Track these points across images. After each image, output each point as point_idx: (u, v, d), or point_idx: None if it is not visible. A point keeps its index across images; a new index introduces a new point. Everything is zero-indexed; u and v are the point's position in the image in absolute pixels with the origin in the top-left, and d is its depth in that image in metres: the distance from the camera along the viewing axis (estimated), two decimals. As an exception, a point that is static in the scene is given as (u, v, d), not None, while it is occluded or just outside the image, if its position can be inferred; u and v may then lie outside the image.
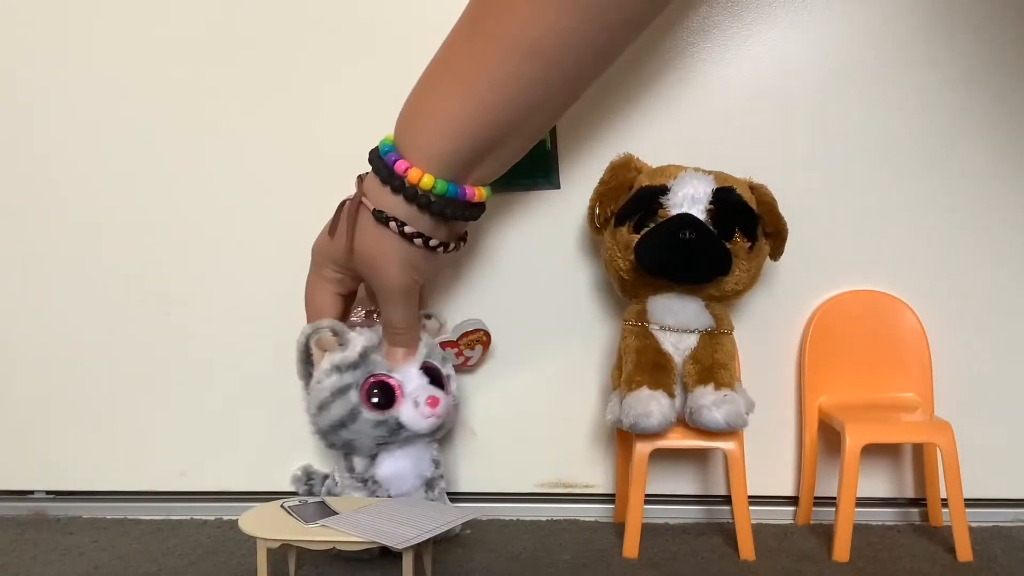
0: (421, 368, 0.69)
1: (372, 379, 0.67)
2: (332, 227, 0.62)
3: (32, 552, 0.75)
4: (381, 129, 0.61)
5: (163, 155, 0.83)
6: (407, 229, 0.55)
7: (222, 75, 0.82)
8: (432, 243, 0.57)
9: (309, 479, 0.77)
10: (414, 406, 0.67)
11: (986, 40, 0.75)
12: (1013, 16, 0.74)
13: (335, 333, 0.67)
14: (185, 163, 0.83)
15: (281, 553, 0.64)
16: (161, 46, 0.82)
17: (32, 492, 0.87)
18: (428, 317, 0.74)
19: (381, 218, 0.56)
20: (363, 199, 0.57)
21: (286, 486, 0.79)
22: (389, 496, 0.70)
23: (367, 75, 0.79)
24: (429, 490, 0.71)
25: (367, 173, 0.61)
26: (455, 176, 0.55)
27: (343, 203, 0.62)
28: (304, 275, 0.70)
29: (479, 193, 0.57)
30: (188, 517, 0.82)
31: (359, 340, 0.68)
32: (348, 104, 0.80)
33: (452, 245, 0.59)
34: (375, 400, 0.67)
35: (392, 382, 0.68)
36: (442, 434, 0.73)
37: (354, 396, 0.67)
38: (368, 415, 0.67)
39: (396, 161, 0.55)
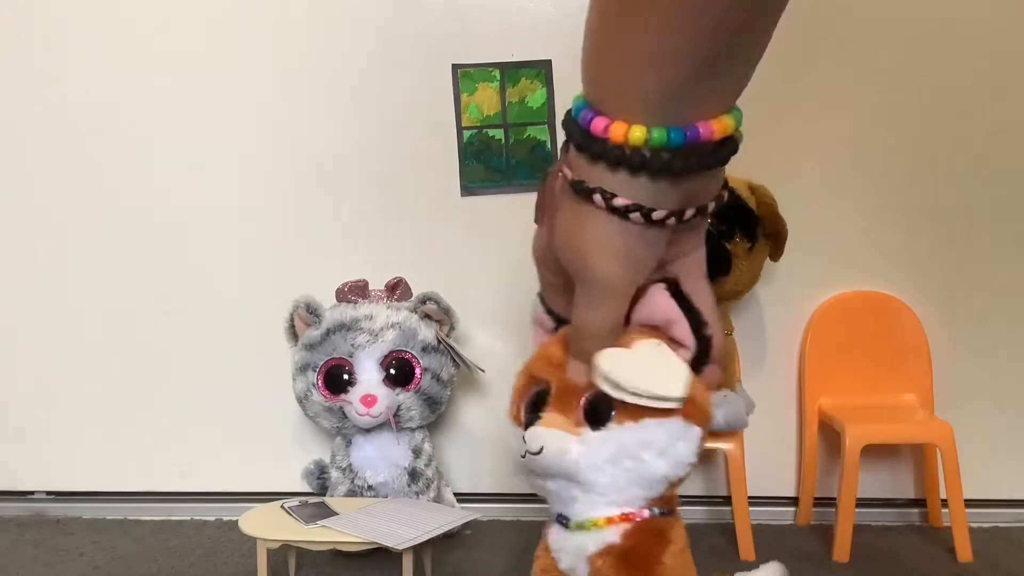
0: (386, 358, 0.68)
1: (330, 362, 0.67)
2: (537, 213, 0.48)
3: (32, 552, 0.75)
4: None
5: (163, 155, 0.83)
6: (617, 202, 0.39)
7: (223, 75, 0.82)
8: (656, 215, 0.40)
9: (322, 473, 0.75)
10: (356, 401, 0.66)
11: (988, 41, 0.75)
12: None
13: (310, 310, 0.68)
14: (185, 164, 0.83)
15: (281, 553, 0.64)
16: (162, 50, 0.82)
17: (32, 492, 0.87)
18: (426, 301, 0.71)
19: (581, 189, 0.40)
20: (563, 169, 0.42)
21: (286, 486, 0.79)
22: (370, 487, 0.70)
23: (365, 74, 0.80)
24: (413, 481, 0.70)
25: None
26: (677, 115, 0.39)
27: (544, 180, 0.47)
28: (303, 276, 0.70)
29: (721, 126, 0.39)
30: (188, 517, 0.82)
31: (329, 318, 0.67)
32: (348, 102, 0.80)
33: (691, 212, 0.41)
34: (325, 384, 0.68)
35: (347, 368, 0.67)
36: (416, 424, 0.70)
37: (312, 375, 0.67)
38: (317, 397, 0.68)
39: (592, 120, 0.39)
